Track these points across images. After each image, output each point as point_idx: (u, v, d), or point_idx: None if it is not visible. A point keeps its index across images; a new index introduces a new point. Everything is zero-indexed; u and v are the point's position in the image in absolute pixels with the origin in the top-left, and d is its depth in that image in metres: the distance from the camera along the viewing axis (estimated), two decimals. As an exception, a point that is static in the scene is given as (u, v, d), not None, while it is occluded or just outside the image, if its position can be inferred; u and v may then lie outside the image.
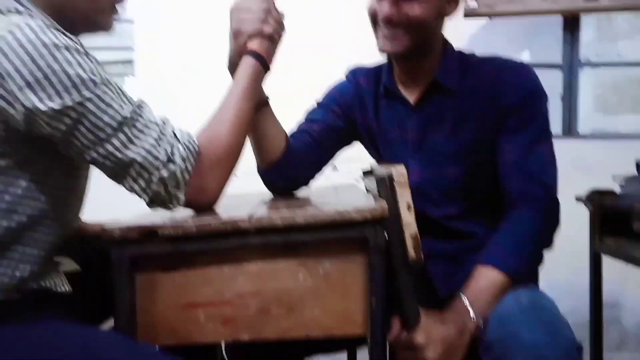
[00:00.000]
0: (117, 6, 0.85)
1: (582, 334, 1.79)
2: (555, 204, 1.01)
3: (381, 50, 1.05)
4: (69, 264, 0.88)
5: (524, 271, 0.93)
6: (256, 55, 0.88)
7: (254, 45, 0.89)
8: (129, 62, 2.61)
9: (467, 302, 0.87)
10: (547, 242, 0.99)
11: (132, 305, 0.74)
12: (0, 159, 0.70)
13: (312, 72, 2.17)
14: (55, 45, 0.68)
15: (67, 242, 0.86)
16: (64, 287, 0.81)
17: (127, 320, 0.73)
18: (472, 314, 0.85)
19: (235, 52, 0.92)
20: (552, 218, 1.00)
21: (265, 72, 0.91)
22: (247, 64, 0.88)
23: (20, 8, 0.74)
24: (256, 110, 0.98)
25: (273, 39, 0.90)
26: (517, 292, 0.88)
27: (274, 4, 0.92)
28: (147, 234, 0.72)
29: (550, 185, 1.00)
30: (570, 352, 0.76)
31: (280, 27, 0.92)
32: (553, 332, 0.77)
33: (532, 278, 1.02)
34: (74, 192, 0.84)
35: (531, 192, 0.98)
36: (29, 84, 0.66)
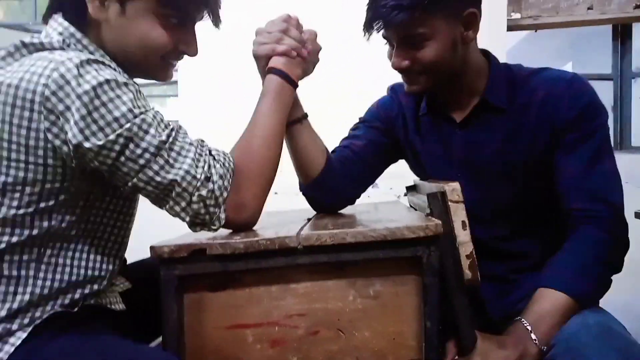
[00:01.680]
0: (172, 61, 0.86)
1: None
2: (623, 225, 0.94)
3: (407, 92, 1.04)
4: (122, 283, 0.90)
5: (590, 295, 0.87)
6: (276, 72, 0.91)
7: (273, 62, 0.92)
8: (173, 82, 2.68)
9: (528, 326, 0.81)
10: (616, 265, 0.92)
11: (180, 325, 0.73)
12: (60, 193, 0.74)
13: (356, 88, 2.17)
14: (97, 81, 0.70)
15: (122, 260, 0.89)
16: (118, 305, 0.84)
17: (175, 340, 0.72)
18: (534, 337, 0.80)
19: (261, 73, 0.96)
20: (620, 239, 0.93)
21: (292, 86, 0.92)
22: (269, 80, 0.91)
23: (68, 41, 0.78)
24: (293, 125, 1.00)
25: (290, 56, 0.92)
26: (584, 315, 0.82)
27: (295, 23, 0.95)
28: (196, 252, 0.71)
29: (617, 204, 0.93)
30: None
31: (301, 44, 0.94)
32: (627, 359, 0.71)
33: (595, 301, 0.96)
34: (126, 215, 0.86)
35: (595, 211, 0.91)
36: (75, 123, 0.69)
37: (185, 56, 0.88)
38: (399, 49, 0.96)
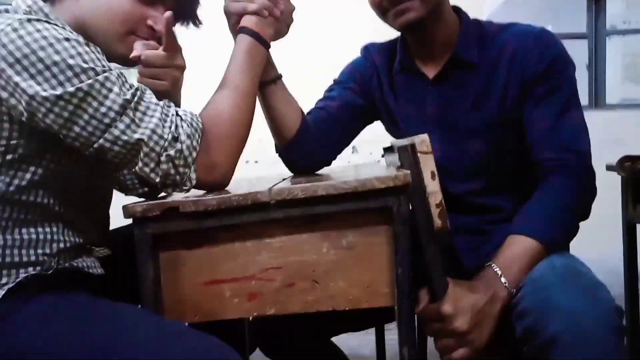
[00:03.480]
0: (138, 37, 0.84)
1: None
2: (591, 173, 0.96)
3: (399, 27, 1.02)
4: (102, 249, 0.90)
5: (558, 240, 0.90)
6: (247, 32, 0.90)
7: (245, 22, 0.91)
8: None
9: (498, 270, 0.84)
10: (583, 211, 0.95)
11: (157, 283, 0.74)
12: (8, 152, 0.73)
13: (330, 50, 2.15)
14: (56, 38, 0.70)
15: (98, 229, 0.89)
16: (97, 269, 0.84)
17: (152, 298, 0.73)
18: (504, 281, 0.83)
19: (232, 31, 0.95)
20: (588, 186, 0.96)
21: (264, 46, 0.92)
22: (239, 40, 0.90)
23: (35, 14, 0.77)
24: (267, 86, 1.00)
25: (262, 15, 0.91)
26: (551, 259, 0.84)
27: None
28: (169, 210, 0.72)
29: (584, 153, 0.95)
30: (610, 316, 0.72)
31: (274, 3, 0.93)
32: (591, 297, 0.73)
33: (563, 247, 0.99)
34: (88, 183, 0.85)
35: (564, 160, 0.94)
36: (32, 75, 0.68)
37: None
38: None
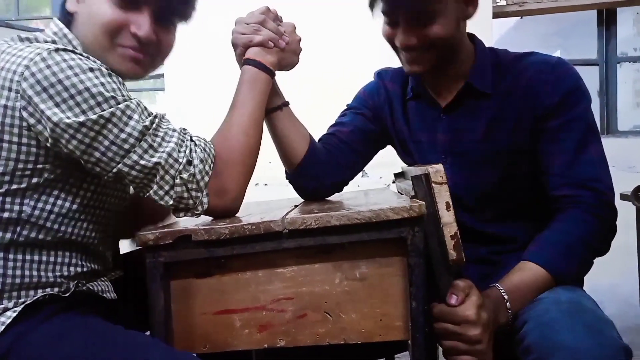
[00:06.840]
0: (125, 44, 0.83)
1: (634, 339, 1.69)
2: (610, 210, 0.93)
3: (408, 72, 1.02)
4: (114, 271, 0.90)
5: (569, 273, 0.87)
6: (251, 62, 0.93)
7: (249, 54, 0.94)
8: (160, 76, 2.66)
9: (505, 294, 0.82)
10: (599, 248, 0.92)
11: (167, 312, 0.73)
12: (33, 175, 0.75)
13: (343, 77, 2.16)
14: (81, 68, 0.73)
15: (110, 254, 0.90)
16: (110, 294, 0.85)
17: (162, 327, 0.72)
18: (508, 306, 0.81)
19: (238, 61, 0.98)
20: (606, 223, 0.92)
21: (267, 74, 0.94)
22: (244, 70, 0.94)
23: (58, 40, 0.81)
24: (272, 113, 1.01)
25: (267, 47, 0.94)
26: (557, 292, 0.82)
27: (274, 16, 0.98)
28: (181, 239, 0.71)
29: (603, 189, 0.92)
30: (615, 355, 0.70)
31: (279, 35, 0.96)
32: (596, 335, 0.71)
33: (575, 281, 0.96)
34: (106, 210, 0.86)
35: (581, 197, 0.91)
36: (57, 103, 0.71)
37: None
38: (407, 26, 0.95)
